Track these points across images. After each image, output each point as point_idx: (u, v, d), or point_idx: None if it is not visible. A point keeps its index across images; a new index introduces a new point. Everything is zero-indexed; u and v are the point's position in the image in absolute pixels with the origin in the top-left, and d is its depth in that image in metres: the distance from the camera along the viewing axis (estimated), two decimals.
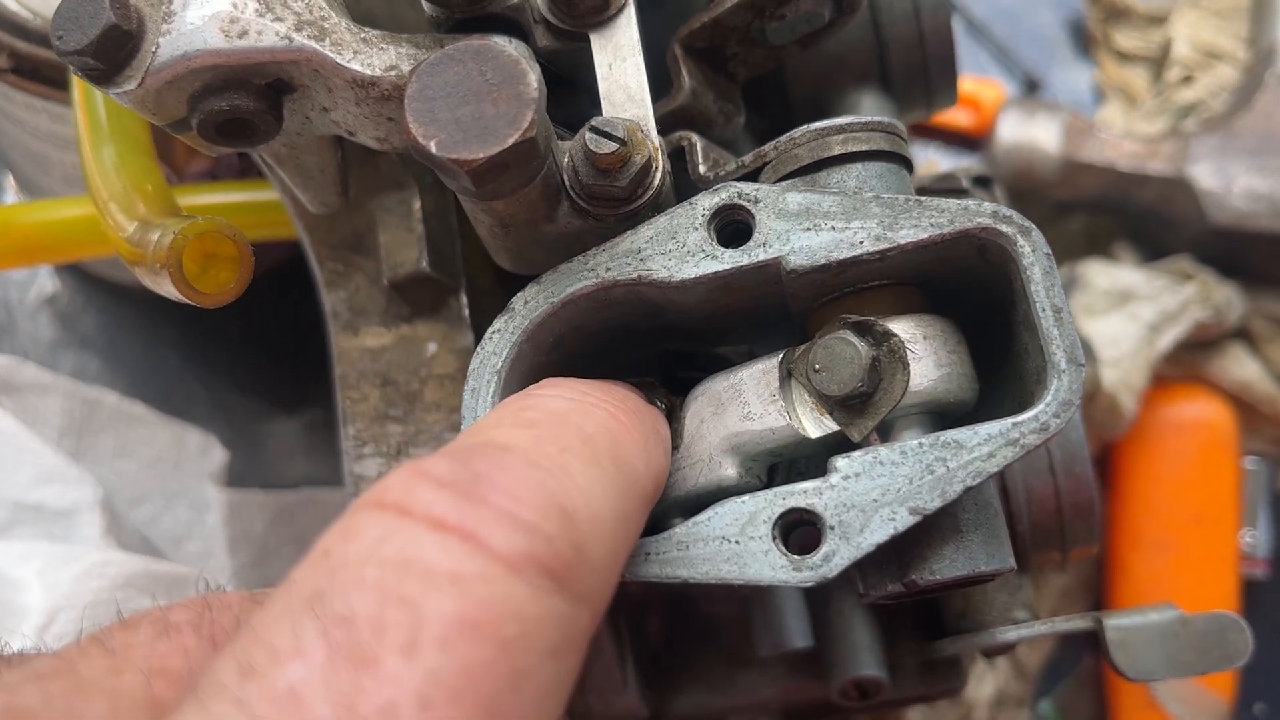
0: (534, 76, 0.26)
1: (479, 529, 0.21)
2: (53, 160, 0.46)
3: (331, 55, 0.28)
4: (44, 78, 0.42)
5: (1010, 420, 0.26)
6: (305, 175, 0.33)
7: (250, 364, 0.56)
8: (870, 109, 0.41)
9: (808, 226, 0.28)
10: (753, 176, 0.31)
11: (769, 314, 0.30)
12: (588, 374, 0.31)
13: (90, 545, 0.46)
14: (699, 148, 0.31)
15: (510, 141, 0.25)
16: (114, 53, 0.27)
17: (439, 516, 0.21)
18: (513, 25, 0.30)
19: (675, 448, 0.29)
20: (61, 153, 0.45)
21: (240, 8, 0.27)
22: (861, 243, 0.27)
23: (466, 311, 0.37)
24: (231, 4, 0.27)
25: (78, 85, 0.36)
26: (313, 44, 0.28)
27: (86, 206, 0.39)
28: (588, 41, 0.31)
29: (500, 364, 0.28)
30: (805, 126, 0.30)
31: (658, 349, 0.33)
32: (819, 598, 0.37)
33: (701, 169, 0.31)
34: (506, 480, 0.22)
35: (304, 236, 0.38)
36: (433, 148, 0.25)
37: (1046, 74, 0.66)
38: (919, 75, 0.41)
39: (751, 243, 0.28)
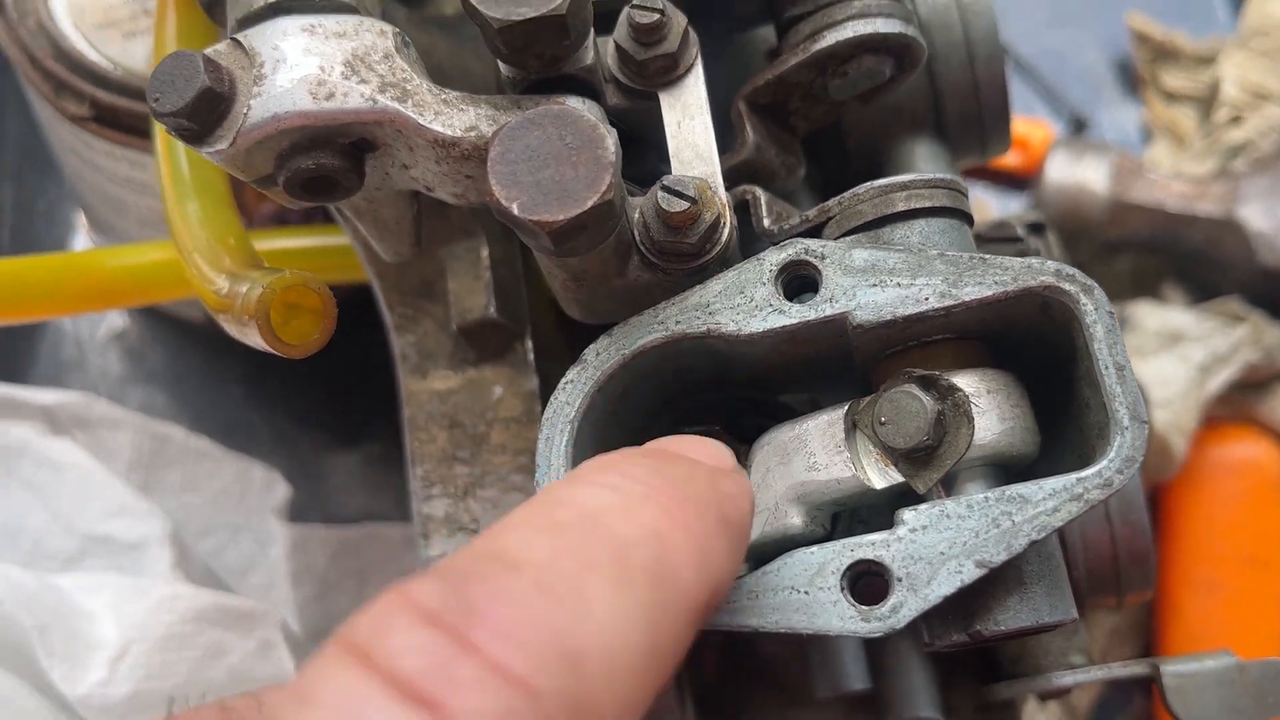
0: (611, 141, 0.27)
1: (450, 697, 0.18)
2: (129, 204, 0.47)
3: (414, 116, 0.29)
4: (124, 126, 0.43)
5: (1075, 476, 0.26)
6: (382, 227, 0.34)
7: (311, 398, 0.57)
8: (925, 157, 0.42)
9: (874, 282, 0.28)
10: (816, 231, 0.31)
11: (832, 365, 0.31)
12: (653, 421, 0.32)
13: (160, 578, 0.47)
14: (763, 201, 0.32)
15: (589, 204, 0.26)
16: (207, 114, 0.29)
17: (405, 676, 0.19)
18: (584, 85, 0.31)
19: None
20: (138, 197, 0.46)
21: (327, 71, 0.29)
22: (927, 299, 0.28)
23: (531, 356, 0.38)
24: (319, 67, 0.28)
25: (160, 138, 0.37)
26: (396, 105, 0.29)
27: (165, 252, 0.40)
28: (656, 100, 0.32)
29: (573, 413, 0.29)
30: (869, 183, 0.31)
31: (722, 396, 0.34)
32: (877, 640, 0.37)
33: (766, 222, 0.32)
34: (504, 616, 0.19)
35: (374, 282, 0.39)
36: (515, 210, 0.26)
37: (1094, 114, 0.67)
38: (974, 124, 0.42)
39: (818, 298, 0.29)
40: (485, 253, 0.38)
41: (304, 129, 0.29)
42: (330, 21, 0.29)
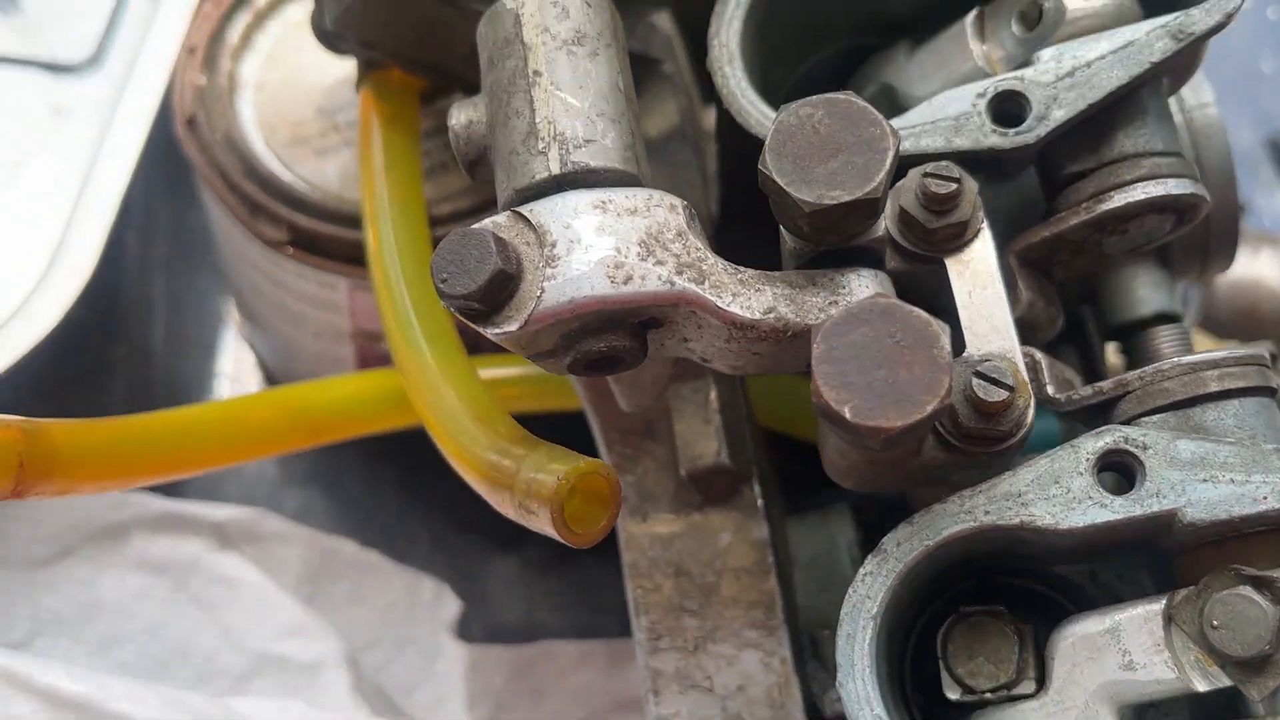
0: (945, 339, 0.25)
1: None
2: (309, 317, 0.46)
3: (712, 299, 0.28)
4: (321, 250, 0.42)
5: None
6: (634, 385, 0.33)
7: (468, 501, 0.56)
8: (1148, 284, 0.40)
9: (1204, 478, 0.27)
10: (1109, 405, 0.30)
11: (1125, 546, 0.29)
12: (921, 604, 0.31)
13: (339, 703, 0.46)
14: (1044, 366, 0.31)
15: (929, 410, 0.25)
16: (496, 295, 0.27)
17: None
18: (871, 254, 0.30)
19: (1039, 688, 0.29)
20: (320, 312, 0.45)
21: (624, 252, 0.27)
22: (1265, 499, 0.26)
23: (761, 501, 0.37)
24: (615, 248, 0.27)
25: (382, 287, 0.36)
26: (694, 288, 0.27)
27: (375, 383, 0.39)
28: (940, 264, 0.30)
29: (876, 609, 0.28)
30: (1173, 360, 0.29)
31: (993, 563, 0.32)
32: None
33: (1049, 390, 0.31)
34: None
35: (593, 420, 0.38)
36: (847, 414, 0.25)
37: (1250, 196, 0.65)
38: (1199, 247, 0.41)
39: (1143, 491, 0.27)
40: (713, 395, 0.37)
41: (597, 313, 0.27)
42: (620, 196, 0.28)
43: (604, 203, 0.28)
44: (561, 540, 0.28)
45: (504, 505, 0.29)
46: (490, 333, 0.28)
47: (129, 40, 0.55)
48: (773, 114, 0.32)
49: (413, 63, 0.40)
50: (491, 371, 0.41)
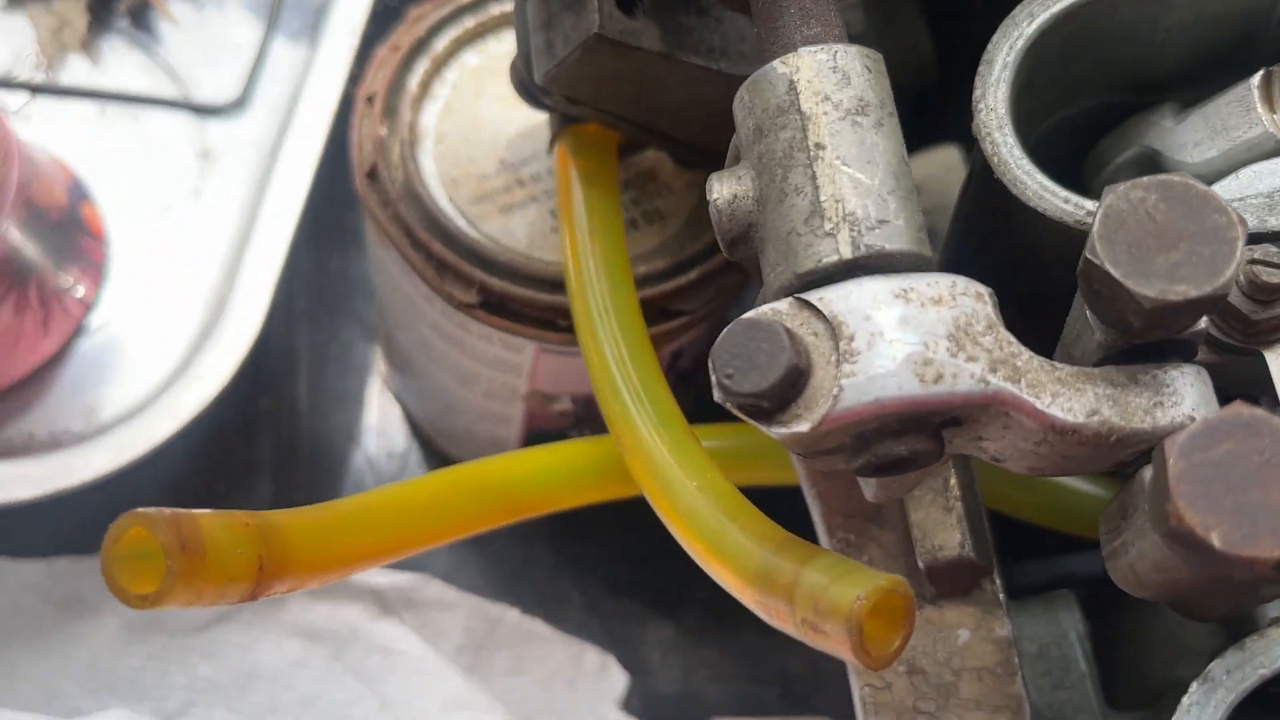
0: None
1: None
2: (483, 378, 0.44)
3: (1030, 400, 0.25)
4: (510, 313, 0.40)
5: None
6: (897, 481, 0.30)
7: (623, 562, 0.54)
8: None
9: None
10: None
11: None
12: None
13: None
14: None
15: None
16: (786, 392, 0.25)
17: None
18: (1181, 345, 0.27)
19: None
20: (496, 373, 0.43)
21: (932, 348, 0.25)
22: None
23: (1002, 595, 0.34)
24: (922, 343, 0.25)
25: (597, 362, 0.34)
26: (1010, 387, 0.25)
27: (587, 453, 0.37)
28: (1256, 355, 0.27)
29: None
30: None
31: None
32: None
33: None
34: None
35: (814, 501, 0.36)
36: (1215, 541, 0.22)
37: None
38: None
39: None
40: (954, 481, 0.34)
41: (900, 414, 0.25)
42: (922, 284, 0.25)
43: (905, 291, 0.25)
44: (853, 660, 0.25)
45: (778, 617, 0.27)
46: (776, 432, 0.25)
47: (276, 83, 0.54)
48: (1051, 184, 0.30)
49: (615, 118, 0.38)
50: (709, 443, 0.39)
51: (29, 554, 0.46)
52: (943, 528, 0.34)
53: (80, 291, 0.49)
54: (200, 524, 0.25)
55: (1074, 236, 0.29)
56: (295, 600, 0.46)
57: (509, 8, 0.43)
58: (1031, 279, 0.32)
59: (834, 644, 0.25)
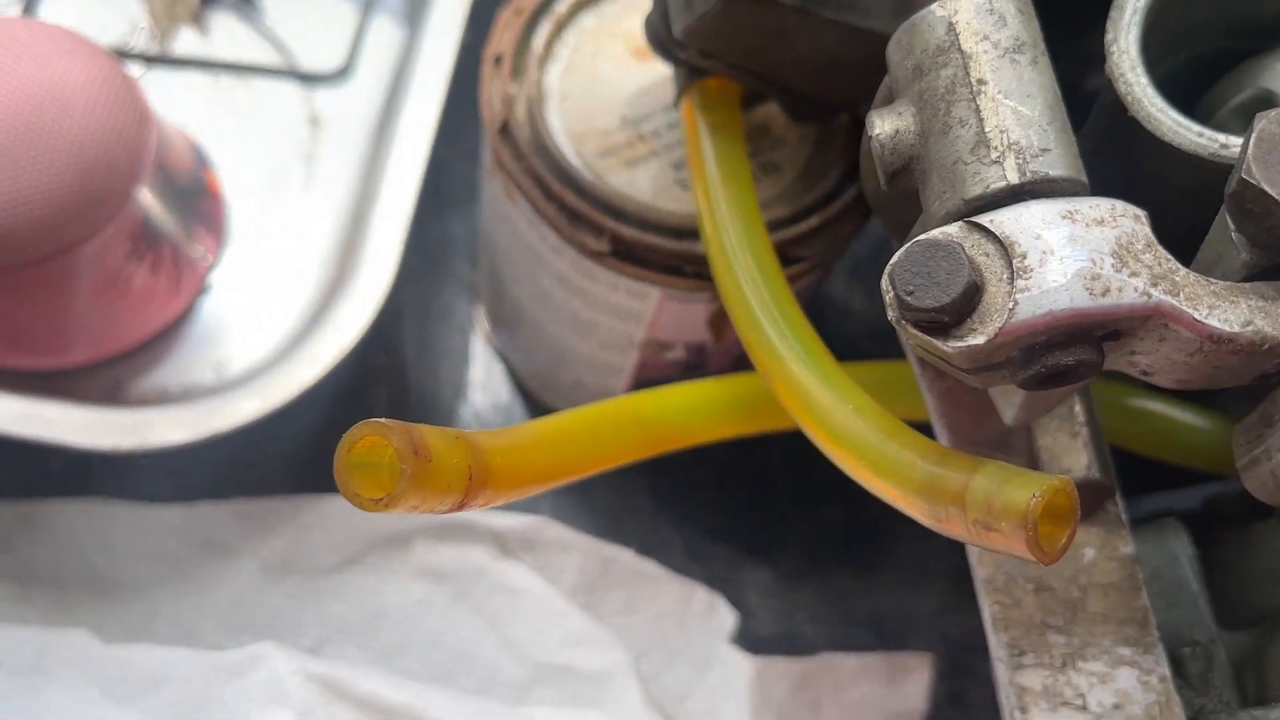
0: None
1: None
2: (601, 327, 0.46)
3: (1189, 311, 0.27)
4: (637, 259, 0.42)
5: None
6: (1044, 399, 0.32)
7: (721, 508, 0.56)
8: None
9: None
10: None
11: None
12: None
13: (630, 714, 0.46)
14: None
15: None
16: (964, 308, 0.27)
17: None
18: None
19: None
20: (615, 321, 0.45)
21: (1098, 264, 0.27)
22: None
23: (1124, 515, 0.36)
24: (1090, 260, 0.27)
25: (738, 304, 0.36)
26: (1170, 300, 0.27)
27: (731, 388, 0.39)
28: None
29: None
30: None
31: None
32: None
33: None
34: None
35: (942, 430, 0.38)
36: None
37: None
38: None
39: None
40: (1079, 407, 0.36)
41: (1069, 325, 0.27)
42: (1085, 206, 0.27)
43: (1071, 213, 0.27)
44: (1030, 558, 0.27)
45: (947, 523, 0.29)
46: (951, 345, 0.27)
47: (379, 51, 0.56)
48: (1184, 120, 0.32)
49: (741, 70, 0.40)
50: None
51: (168, 499, 0.49)
52: (1070, 451, 0.36)
53: (205, 252, 0.51)
54: (425, 435, 0.27)
55: (1205, 169, 0.31)
56: (420, 543, 0.48)
57: None
58: (1156, 213, 0.34)
59: (1008, 542, 0.27)
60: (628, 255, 0.42)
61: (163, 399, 0.48)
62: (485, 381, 0.56)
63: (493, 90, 0.44)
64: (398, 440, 0.26)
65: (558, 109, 0.44)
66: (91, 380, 0.49)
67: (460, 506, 0.29)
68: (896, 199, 0.33)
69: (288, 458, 0.50)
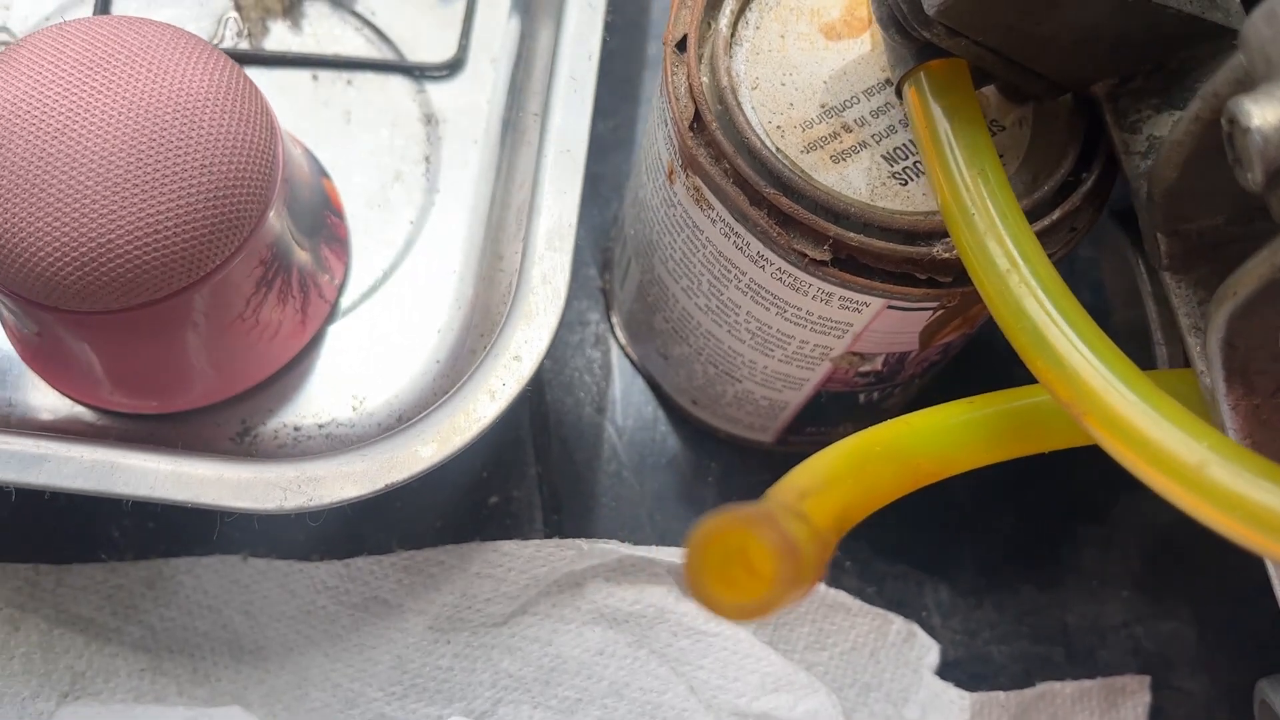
0: None
1: None
2: (794, 339, 0.42)
3: None
4: (862, 268, 0.37)
5: None
6: None
7: (891, 525, 0.51)
8: None
9: None
10: None
11: None
12: None
13: None
14: None
15: None
16: None
17: None
18: None
19: None
20: (813, 333, 0.41)
21: None
22: None
23: None
24: None
25: (1005, 308, 0.32)
26: None
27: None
28: None
29: None
30: None
31: None
32: None
33: None
34: None
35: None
36: None
37: None
38: None
39: None
40: None
41: None
42: None
43: None
44: None
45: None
46: None
47: (493, 38, 0.51)
48: None
49: (984, 49, 0.35)
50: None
51: (300, 555, 0.44)
52: None
53: (331, 274, 0.45)
54: (781, 519, 0.22)
55: None
56: (594, 586, 0.44)
57: None
58: None
59: None
60: (850, 264, 0.37)
61: (297, 442, 0.43)
62: (626, 397, 0.52)
63: (677, 80, 0.39)
64: (770, 538, 0.21)
65: (750, 99, 0.39)
66: (216, 421, 0.43)
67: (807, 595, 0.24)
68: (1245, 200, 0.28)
69: (439, 504, 0.45)
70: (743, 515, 0.22)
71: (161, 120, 0.37)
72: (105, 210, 0.36)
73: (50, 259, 0.36)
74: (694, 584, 0.22)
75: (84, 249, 0.36)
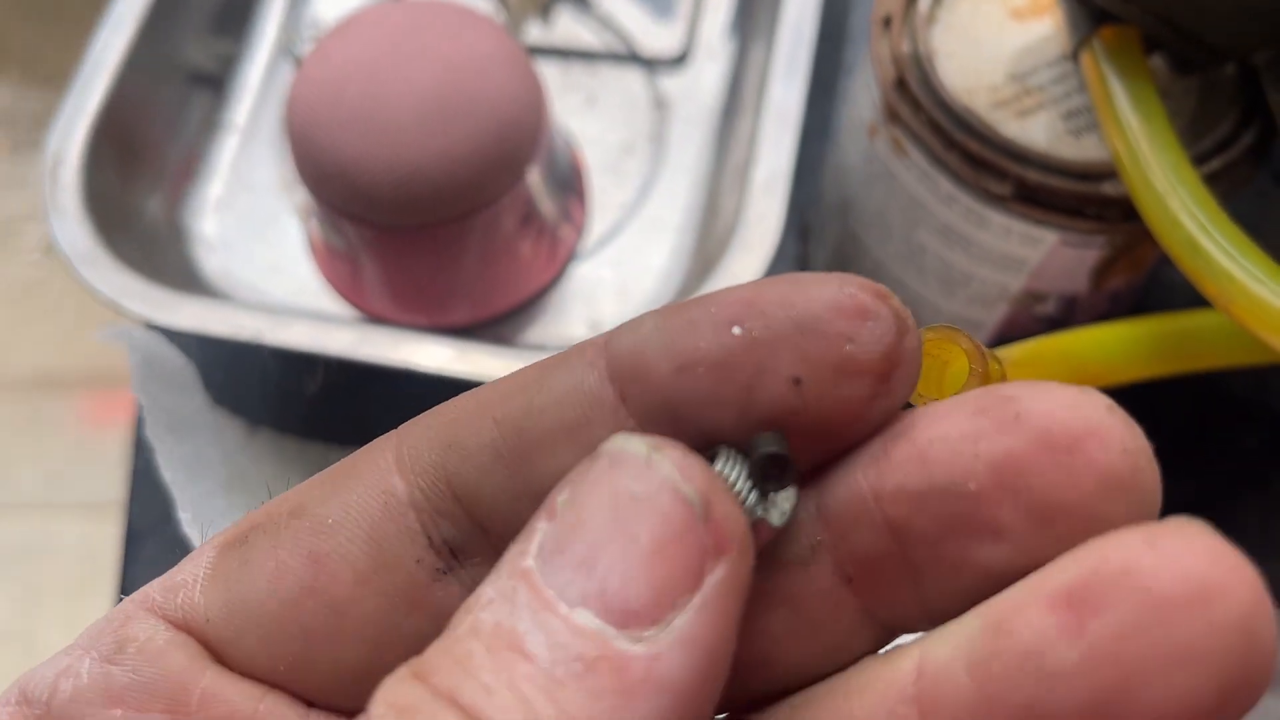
0: None
1: None
2: (976, 279, 0.47)
3: None
4: (1040, 203, 0.43)
5: None
6: None
7: None
8: None
9: None
10: None
11: None
12: None
13: None
14: None
15: None
16: None
17: None
18: None
19: None
20: (995, 271, 0.47)
21: None
22: None
23: None
24: None
25: (1178, 241, 0.37)
26: None
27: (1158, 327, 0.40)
28: None
29: None
30: None
31: None
32: None
33: None
34: None
35: None
36: None
37: None
38: None
39: None
40: None
41: None
42: None
43: None
44: None
45: None
46: None
47: (715, 34, 0.59)
48: None
49: (1153, 17, 0.41)
50: None
51: None
52: None
53: (574, 223, 0.54)
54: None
55: None
56: None
57: None
58: None
59: None
60: (1030, 198, 0.43)
61: (542, 351, 0.51)
62: None
63: (882, 49, 0.46)
64: (966, 342, 0.28)
65: (944, 67, 0.46)
66: (470, 338, 0.52)
67: None
68: None
69: None
70: (946, 325, 0.28)
71: (461, 73, 0.46)
72: (417, 142, 0.45)
73: (374, 178, 0.45)
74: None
75: (400, 172, 0.45)
